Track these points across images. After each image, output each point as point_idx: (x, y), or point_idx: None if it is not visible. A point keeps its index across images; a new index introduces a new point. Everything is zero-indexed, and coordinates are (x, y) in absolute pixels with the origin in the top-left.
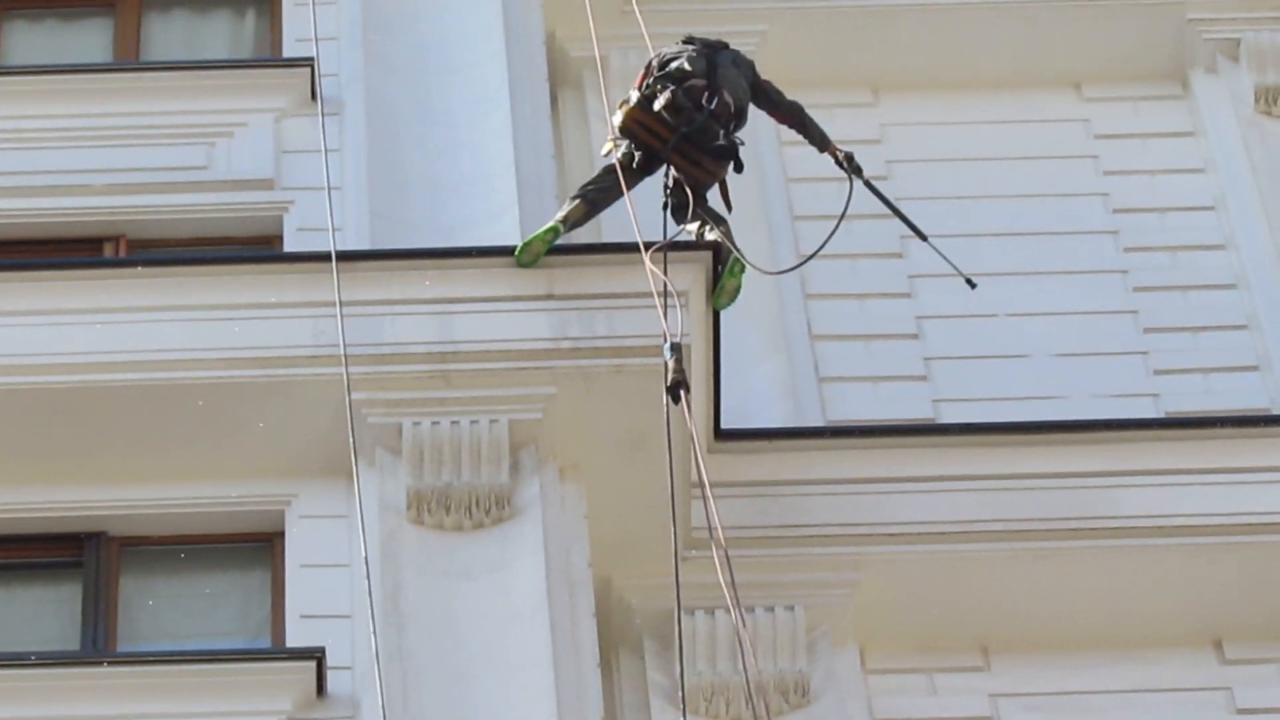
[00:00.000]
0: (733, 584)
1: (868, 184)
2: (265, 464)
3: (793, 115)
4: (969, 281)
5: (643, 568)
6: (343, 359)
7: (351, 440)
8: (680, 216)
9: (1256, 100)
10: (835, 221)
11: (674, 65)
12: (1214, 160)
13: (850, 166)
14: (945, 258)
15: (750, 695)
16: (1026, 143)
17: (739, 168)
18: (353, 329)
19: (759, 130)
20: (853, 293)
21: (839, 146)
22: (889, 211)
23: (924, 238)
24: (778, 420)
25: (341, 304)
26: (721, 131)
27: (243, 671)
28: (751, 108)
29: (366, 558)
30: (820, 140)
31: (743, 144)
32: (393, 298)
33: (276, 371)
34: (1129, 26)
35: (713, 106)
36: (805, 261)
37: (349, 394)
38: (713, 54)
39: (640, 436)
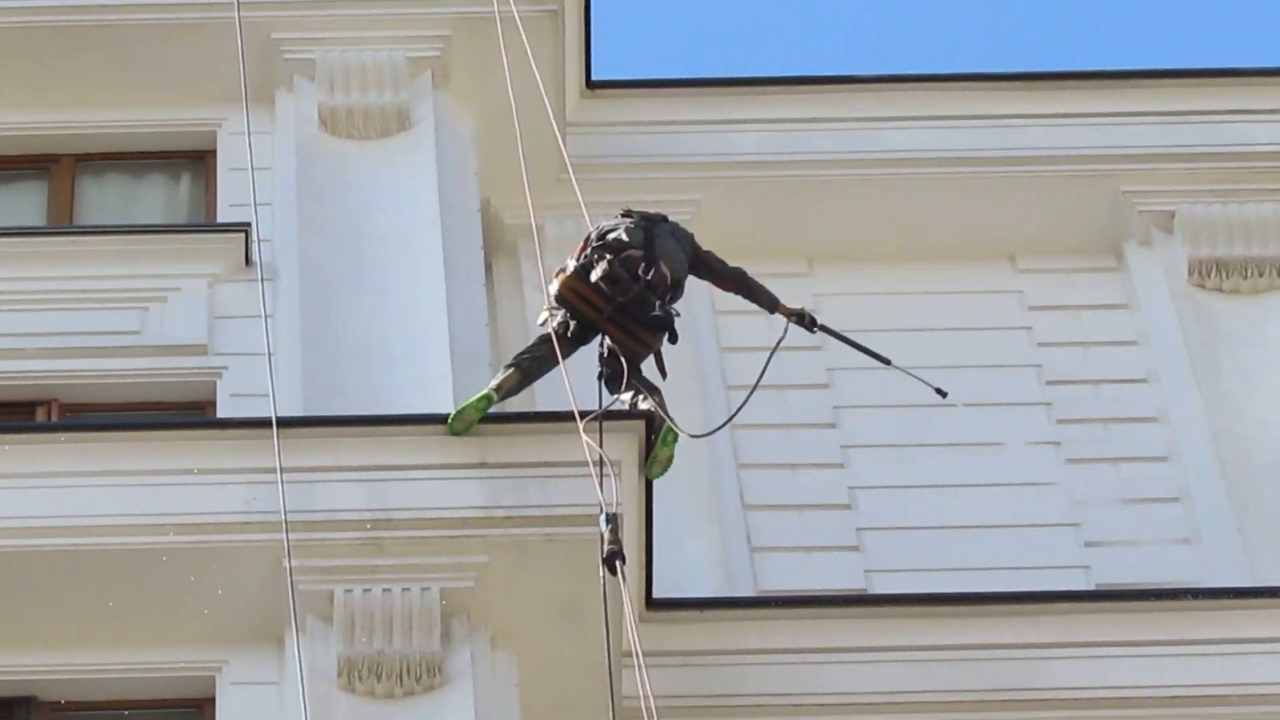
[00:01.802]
0: None
1: (825, 329)
2: (196, 630)
3: (737, 283)
4: (940, 391)
5: None
6: (283, 525)
7: (293, 606)
8: (614, 386)
9: (1191, 273)
10: (761, 383)
11: (612, 236)
12: (1147, 333)
13: (805, 323)
14: (913, 375)
15: None
16: (960, 314)
17: (674, 339)
18: (286, 495)
19: (694, 299)
20: (785, 463)
21: (790, 307)
22: (822, 382)
23: (887, 362)
24: (710, 590)
25: (270, 471)
26: (658, 303)
27: None
28: (691, 278)
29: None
30: (769, 303)
31: (679, 315)
32: (326, 465)
33: (209, 538)
34: (1064, 199)
35: (649, 278)
36: (731, 419)
37: (289, 560)
38: (651, 226)
39: (573, 606)
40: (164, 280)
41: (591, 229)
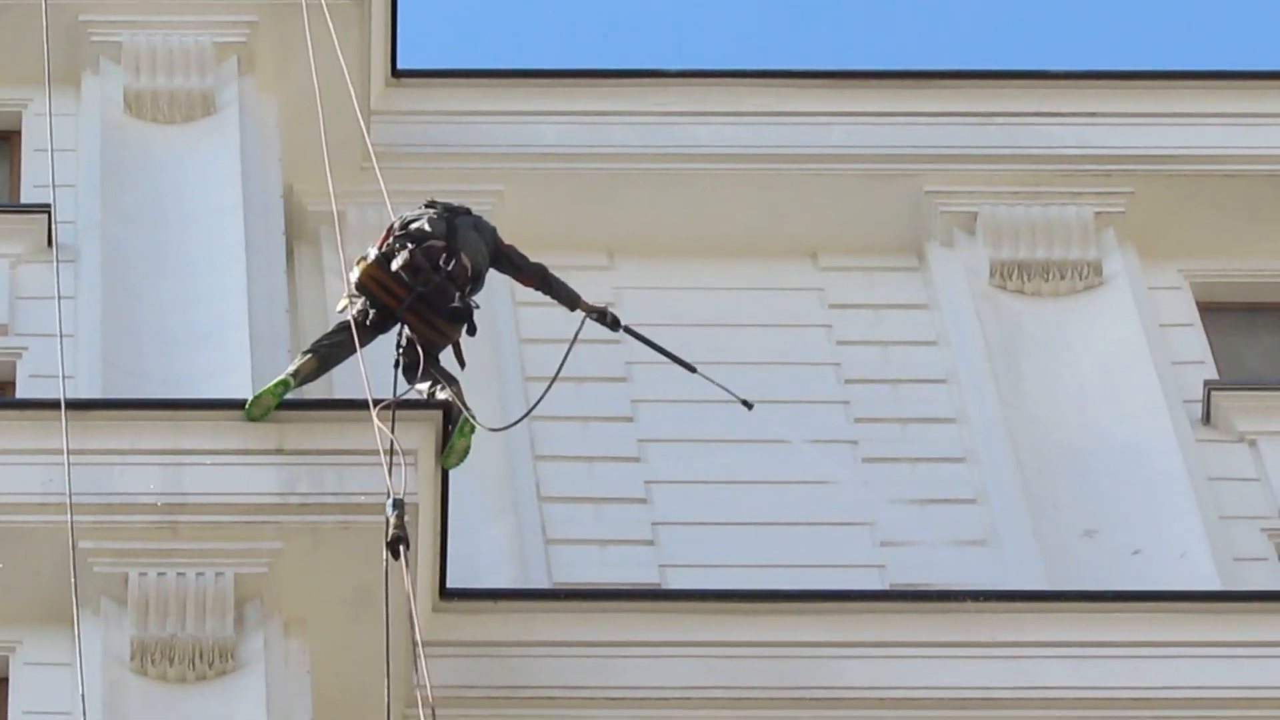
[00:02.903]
0: None
1: (628, 329)
2: None
3: (537, 278)
4: (745, 403)
5: None
6: (69, 507)
7: (74, 587)
8: (411, 376)
9: (992, 274)
10: (558, 377)
11: (415, 226)
12: (947, 334)
13: (606, 321)
14: (717, 384)
15: None
16: (760, 310)
17: (472, 330)
18: (82, 478)
19: (495, 289)
20: (582, 455)
21: (592, 304)
22: (620, 375)
23: (692, 369)
24: (504, 581)
25: (70, 452)
26: (457, 294)
27: None
28: (492, 272)
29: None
30: (570, 299)
31: (478, 307)
32: (122, 448)
33: (5, 518)
34: (866, 197)
35: (450, 269)
36: (528, 414)
37: (73, 542)
38: (454, 217)
39: (366, 594)
40: None
41: (395, 218)
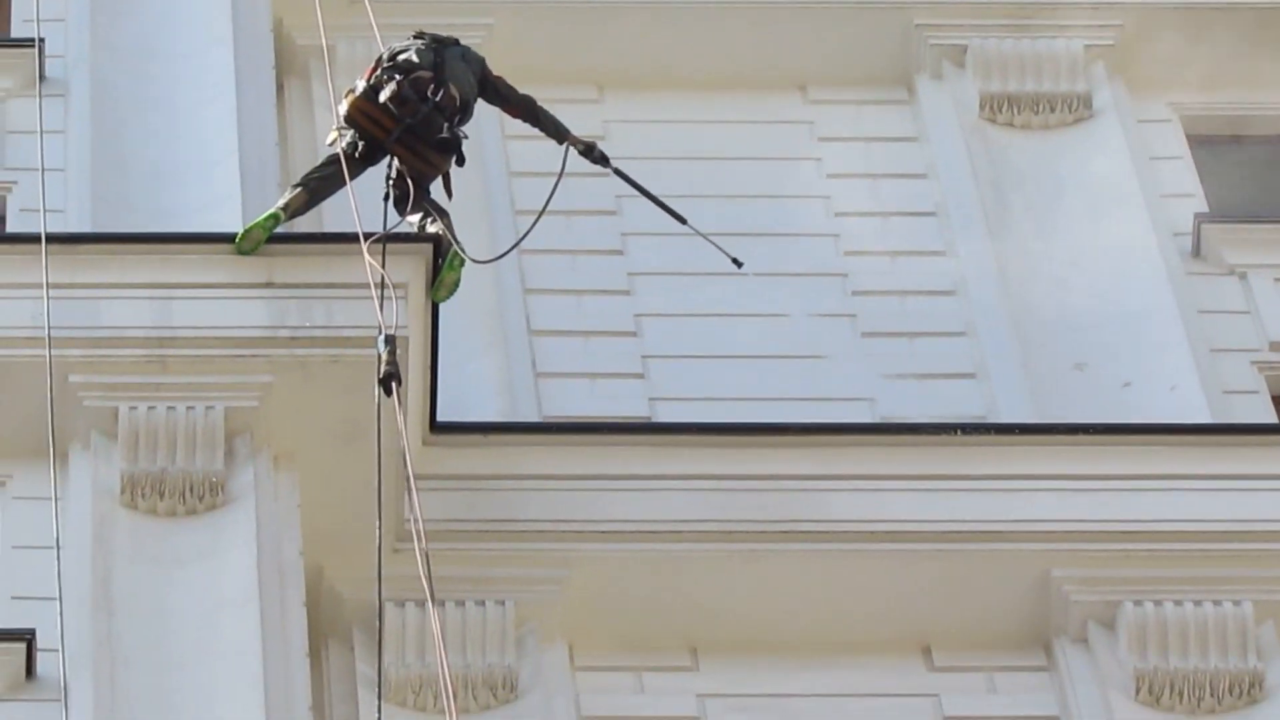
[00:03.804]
0: (429, 578)
1: (617, 171)
2: None
3: (525, 109)
4: (735, 261)
5: (355, 559)
6: (46, 341)
7: (50, 420)
8: (402, 208)
9: (982, 107)
10: (549, 209)
11: (402, 58)
12: (936, 167)
13: (594, 156)
14: (708, 239)
15: (446, 687)
16: (750, 143)
17: (461, 161)
18: (70, 312)
19: (483, 123)
20: (572, 289)
21: (579, 138)
22: (609, 209)
23: (683, 220)
24: (494, 415)
25: (51, 286)
26: (446, 125)
27: None
28: (481, 103)
29: (58, 540)
30: (557, 132)
31: (466, 138)
32: (110, 281)
33: None
34: (855, 30)
35: (438, 99)
36: (516, 245)
37: (51, 376)
38: (442, 48)
39: (356, 428)
40: None
41: (383, 50)
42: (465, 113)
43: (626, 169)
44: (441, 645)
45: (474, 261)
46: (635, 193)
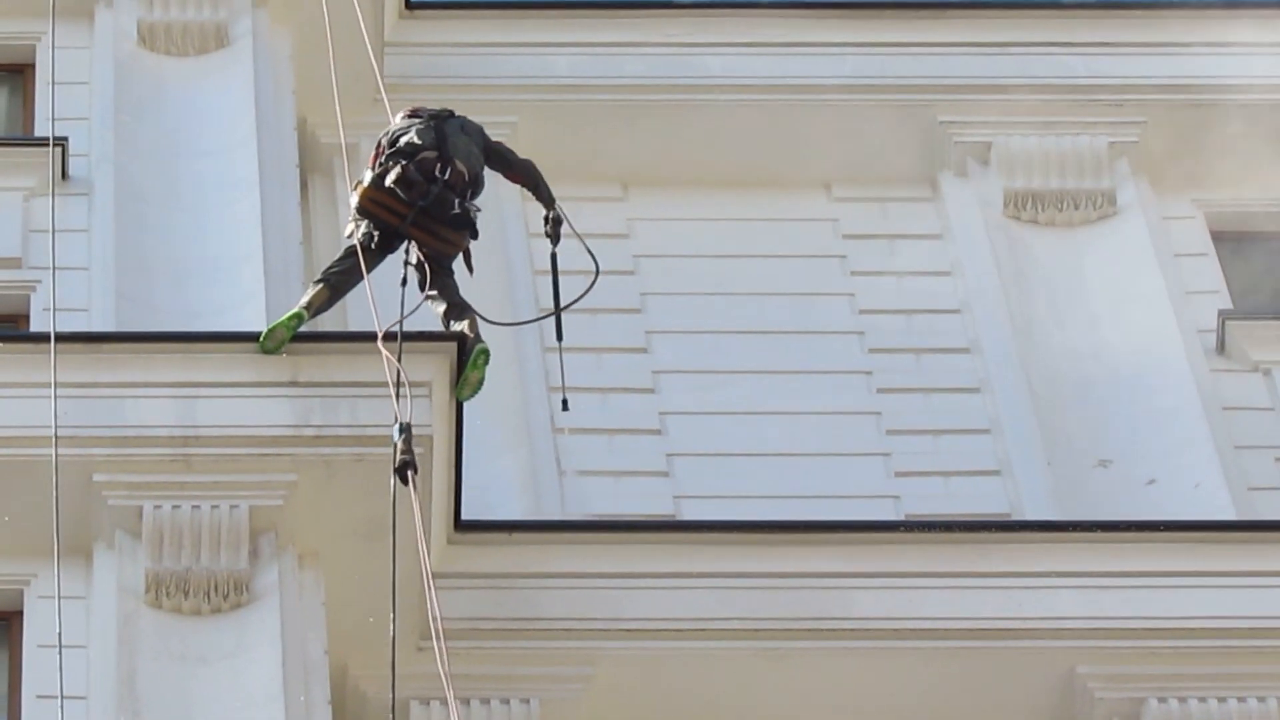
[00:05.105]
0: (447, 676)
1: (551, 232)
2: (4, 543)
3: (526, 175)
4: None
5: (379, 658)
6: (53, 440)
7: (55, 521)
8: (424, 288)
9: (1005, 204)
10: (573, 307)
11: (404, 140)
12: (961, 264)
13: (549, 228)
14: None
15: None
16: (774, 241)
17: (474, 235)
18: (96, 410)
19: (501, 187)
20: (596, 386)
21: (557, 212)
22: (634, 307)
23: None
24: (518, 513)
25: (76, 385)
26: (457, 201)
27: None
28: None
29: (59, 637)
30: (548, 200)
31: (479, 210)
32: (135, 380)
33: (16, 451)
34: (880, 127)
35: (446, 177)
36: (555, 312)
37: (56, 475)
38: (441, 124)
39: (379, 525)
40: None
41: (382, 135)
42: (476, 185)
43: (649, 266)
44: None
45: (494, 324)
46: (660, 291)
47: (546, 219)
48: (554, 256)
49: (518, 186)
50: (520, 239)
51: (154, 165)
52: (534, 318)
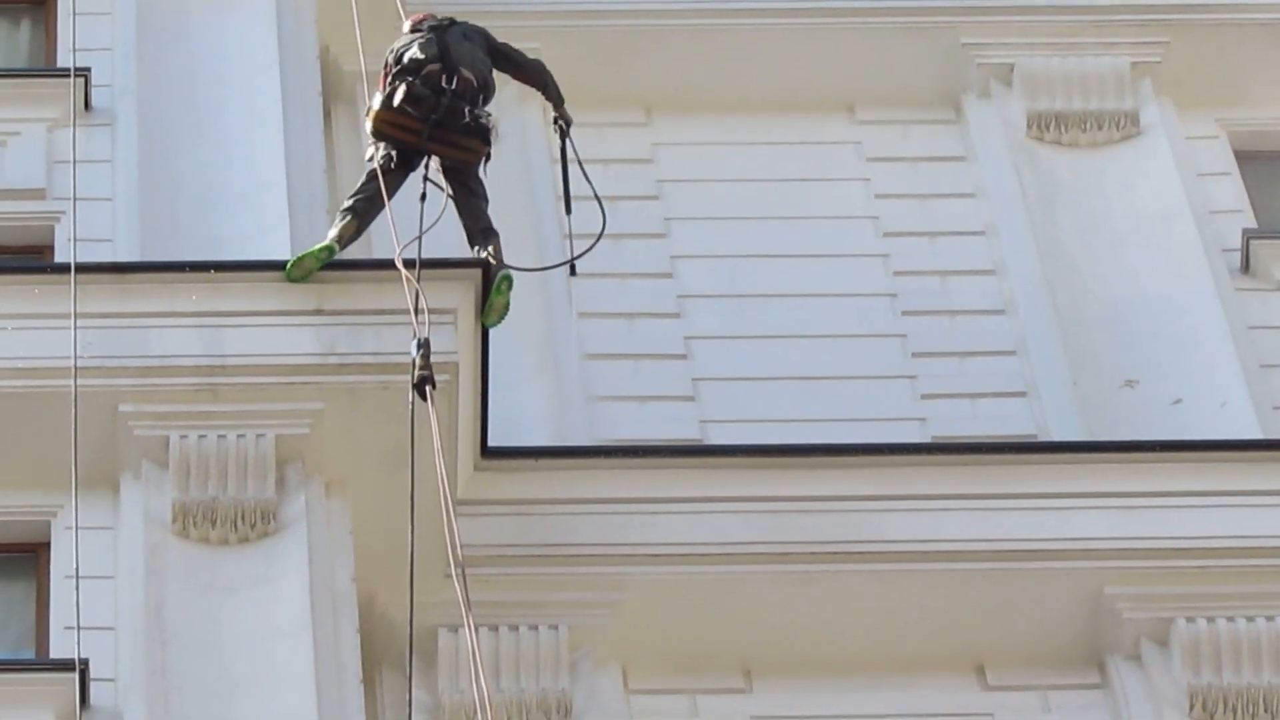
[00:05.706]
0: (467, 602)
1: (565, 142)
2: (31, 475)
3: (534, 74)
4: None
5: (406, 584)
6: (73, 370)
7: (74, 452)
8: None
9: (1029, 126)
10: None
11: (408, 57)
12: (985, 186)
13: (559, 126)
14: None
15: (479, 712)
16: (798, 165)
17: (487, 140)
18: (121, 341)
19: (526, 113)
20: (622, 312)
21: (565, 112)
22: (659, 232)
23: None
24: (545, 439)
25: (100, 315)
26: (468, 108)
27: (5, 682)
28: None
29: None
30: (557, 99)
31: (490, 115)
32: (160, 310)
33: (42, 382)
34: (903, 50)
35: (454, 86)
36: (574, 260)
37: (75, 406)
38: (442, 34)
39: (405, 452)
40: (3, 125)
41: (387, 54)
42: (486, 91)
43: (673, 191)
44: (479, 666)
45: (522, 270)
46: (685, 216)
47: (555, 120)
48: (563, 152)
49: (541, 109)
50: (544, 168)
51: (177, 95)
52: (557, 263)
